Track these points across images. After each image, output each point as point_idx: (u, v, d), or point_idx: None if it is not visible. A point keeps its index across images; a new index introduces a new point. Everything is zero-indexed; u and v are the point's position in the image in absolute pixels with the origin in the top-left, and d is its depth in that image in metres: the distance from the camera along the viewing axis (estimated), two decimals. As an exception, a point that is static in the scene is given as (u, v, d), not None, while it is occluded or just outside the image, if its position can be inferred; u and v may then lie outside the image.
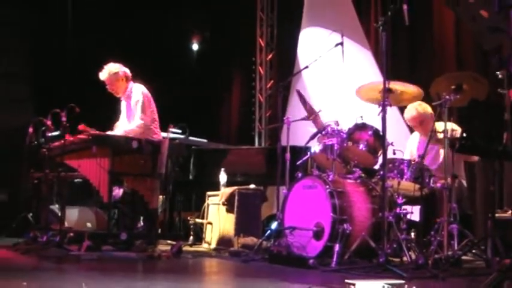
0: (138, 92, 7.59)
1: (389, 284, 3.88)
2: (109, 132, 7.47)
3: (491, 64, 4.77)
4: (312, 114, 7.08)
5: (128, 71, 7.70)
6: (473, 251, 6.19)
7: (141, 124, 7.44)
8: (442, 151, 6.44)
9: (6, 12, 11.41)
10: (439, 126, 6.20)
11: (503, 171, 7.24)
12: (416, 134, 7.46)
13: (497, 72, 4.84)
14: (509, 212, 6.79)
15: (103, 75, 7.66)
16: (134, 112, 7.55)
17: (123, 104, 7.80)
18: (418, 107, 6.99)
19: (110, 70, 7.64)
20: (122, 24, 12.28)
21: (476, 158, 7.21)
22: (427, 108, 7.04)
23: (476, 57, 8.79)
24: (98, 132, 7.26)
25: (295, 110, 9.83)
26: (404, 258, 5.80)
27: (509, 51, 2.38)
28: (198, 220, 8.60)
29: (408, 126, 7.88)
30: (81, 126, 7.26)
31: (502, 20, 2.46)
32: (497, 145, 5.52)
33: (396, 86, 6.19)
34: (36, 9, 11.61)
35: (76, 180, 8.29)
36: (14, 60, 11.59)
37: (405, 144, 7.47)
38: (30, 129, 7.96)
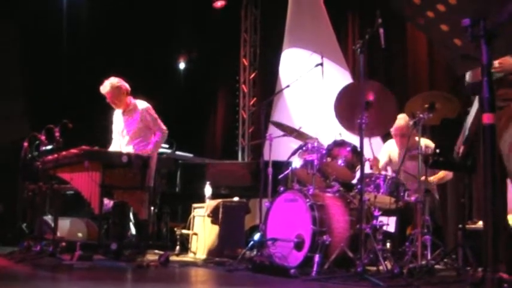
0: (148, 109, 7.66)
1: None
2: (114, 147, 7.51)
3: (465, 89, 4.82)
4: (293, 133, 7.13)
5: (127, 85, 7.68)
6: (445, 260, 6.23)
7: (166, 133, 7.61)
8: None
9: (1, 28, 11.36)
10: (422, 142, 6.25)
11: (472, 184, 7.30)
12: (393, 143, 7.46)
13: (469, 109, 4.91)
14: (479, 223, 6.84)
15: (104, 88, 7.61)
16: (152, 126, 7.61)
17: (120, 118, 7.77)
18: (406, 118, 6.95)
19: (113, 84, 7.61)
20: (112, 44, 12.28)
21: (449, 177, 7.25)
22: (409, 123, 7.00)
23: (448, 78, 8.86)
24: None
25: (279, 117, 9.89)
26: (381, 268, 5.82)
27: (480, 77, 2.43)
28: (184, 231, 8.59)
29: (385, 142, 7.90)
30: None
31: (474, 48, 2.51)
32: (466, 160, 5.57)
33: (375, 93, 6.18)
34: (31, 26, 11.58)
35: (68, 192, 8.23)
36: (10, 77, 11.52)
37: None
38: (25, 144, 7.92)
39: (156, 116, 7.63)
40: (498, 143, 4.55)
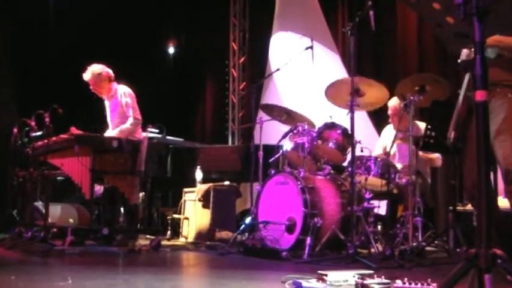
0: (125, 93, 7.56)
1: (359, 274, 3.90)
2: (106, 133, 7.49)
3: (456, 67, 4.83)
4: (283, 116, 7.12)
5: (110, 71, 7.63)
6: (436, 242, 6.26)
7: (136, 122, 7.46)
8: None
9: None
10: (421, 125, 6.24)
11: (462, 166, 7.31)
12: (390, 129, 7.43)
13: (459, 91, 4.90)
14: (470, 205, 6.87)
15: (86, 76, 7.59)
16: (126, 112, 7.51)
17: (107, 104, 7.76)
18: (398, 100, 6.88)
19: (94, 71, 7.58)
20: (101, 28, 12.21)
21: (439, 163, 7.25)
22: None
23: (437, 60, 8.88)
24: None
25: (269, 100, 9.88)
26: (372, 250, 5.85)
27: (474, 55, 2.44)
28: (176, 215, 8.59)
29: (376, 125, 7.91)
30: (72, 130, 7.25)
31: (467, 26, 2.51)
32: (457, 144, 5.58)
33: (364, 84, 6.19)
34: (17, 12, 11.48)
35: (59, 178, 8.22)
36: (-1, 63, 11.45)
37: (372, 143, 7.48)
38: (15, 130, 7.88)
39: (132, 101, 7.54)
40: None
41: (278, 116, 7.20)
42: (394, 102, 6.92)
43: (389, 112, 7.17)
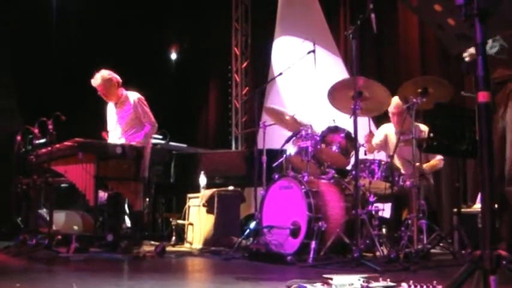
0: (140, 99, 7.60)
1: (364, 277, 3.89)
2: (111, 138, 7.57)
3: (459, 70, 4.85)
4: (283, 122, 7.11)
5: (118, 77, 7.63)
6: (441, 244, 6.25)
7: (156, 125, 7.55)
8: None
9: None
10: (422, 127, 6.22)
11: (466, 168, 7.32)
12: (391, 126, 7.40)
13: (463, 92, 4.92)
14: (474, 206, 6.87)
15: (96, 81, 7.54)
16: (142, 117, 7.53)
17: (112, 110, 7.73)
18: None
19: (103, 76, 7.54)
20: (104, 35, 12.22)
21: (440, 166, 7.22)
22: None
23: (440, 62, 8.87)
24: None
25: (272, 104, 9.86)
26: (377, 253, 5.83)
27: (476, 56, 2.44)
28: (180, 221, 8.58)
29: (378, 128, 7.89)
30: (104, 134, 7.30)
31: (468, 28, 2.51)
32: (460, 144, 5.58)
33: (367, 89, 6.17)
34: (21, 20, 11.49)
35: (63, 185, 8.21)
36: (1, 72, 11.45)
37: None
38: (18, 138, 7.87)
39: (147, 107, 7.56)
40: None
41: (281, 120, 7.17)
42: (396, 100, 6.85)
43: (391, 110, 7.12)
